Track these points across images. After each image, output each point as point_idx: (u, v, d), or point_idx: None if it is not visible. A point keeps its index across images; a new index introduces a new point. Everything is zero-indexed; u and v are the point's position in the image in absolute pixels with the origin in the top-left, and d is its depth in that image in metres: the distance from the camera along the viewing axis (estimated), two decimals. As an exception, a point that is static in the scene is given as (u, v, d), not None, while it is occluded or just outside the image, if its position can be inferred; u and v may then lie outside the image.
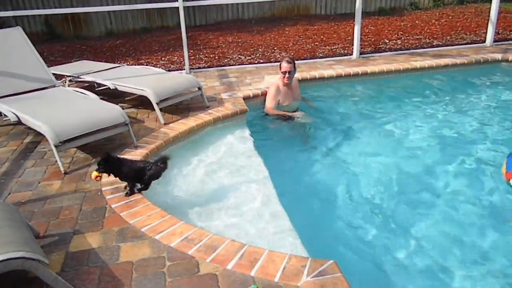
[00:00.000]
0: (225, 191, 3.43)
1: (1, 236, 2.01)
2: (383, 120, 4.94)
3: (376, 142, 4.44)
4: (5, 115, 4.00)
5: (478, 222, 3.08)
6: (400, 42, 8.57)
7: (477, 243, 2.87)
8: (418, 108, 5.28)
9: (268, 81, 5.81)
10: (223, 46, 9.39)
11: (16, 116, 3.85)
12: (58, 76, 5.35)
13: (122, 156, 3.16)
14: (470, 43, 7.93)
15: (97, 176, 2.95)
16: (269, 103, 4.95)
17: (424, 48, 7.84)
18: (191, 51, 8.34)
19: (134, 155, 3.62)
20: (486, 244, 2.85)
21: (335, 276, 2.10)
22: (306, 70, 6.32)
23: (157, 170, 3.00)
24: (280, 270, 2.17)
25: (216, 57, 8.24)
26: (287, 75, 4.79)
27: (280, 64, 4.88)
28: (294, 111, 4.98)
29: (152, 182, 3.07)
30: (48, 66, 4.99)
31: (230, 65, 7.35)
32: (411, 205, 3.33)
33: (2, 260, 1.83)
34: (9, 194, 3.15)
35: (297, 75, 5.26)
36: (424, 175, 3.76)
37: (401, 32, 9.59)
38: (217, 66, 7.30)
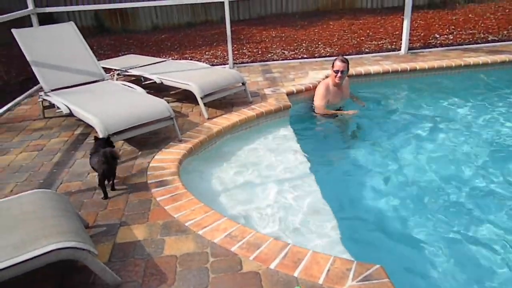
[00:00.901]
0: (267, 188, 3.41)
1: (54, 225, 2.09)
2: (434, 119, 4.73)
3: (426, 141, 4.25)
4: (58, 107, 4.16)
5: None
6: (451, 37, 8.19)
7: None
8: (471, 108, 5.02)
9: (312, 76, 5.72)
10: (267, 40, 9.35)
11: (68, 108, 4.00)
12: (107, 70, 5.51)
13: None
14: (529, 39, 7.46)
15: None
16: (319, 103, 4.84)
17: (478, 43, 7.45)
18: (235, 45, 8.36)
19: (178, 148, 3.67)
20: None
21: (382, 281, 2.03)
22: (351, 66, 6.10)
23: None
24: (324, 272, 2.12)
25: (260, 52, 8.22)
26: (339, 74, 4.66)
27: (333, 62, 4.76)
28: (339, 109, 4.89)
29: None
30: (98, 60, 5.15)
31: (273, 60, 7.30)
32: (466, 209, 3.16)
33: (55, 250, 1.90)
34: (60, 183, 3.28)
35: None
36: (477, 178, 3.57)
37: (453, 27, 9.16)
38: (260, 61, 7.28)
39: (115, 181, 3.14)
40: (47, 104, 4.64)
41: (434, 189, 3.44)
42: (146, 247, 2.44)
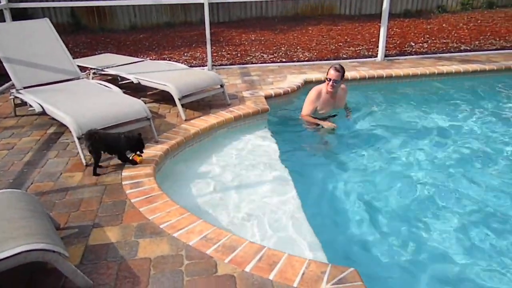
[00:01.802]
0: (243, 190, 3.41)
1: (23, 227, 2.02)
2: (408, 126, 4.83)
3: (399, 148, 4.34)
4: (30, 105, 4.05)
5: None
6: (426, 46, 8.40)
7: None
8: (445, 114, 5.14)
9: (291, 80, 5.76)
10: (246, 43, 9.36)
11: (41, 106, 3.90)
12: (83, 68, 5.41)
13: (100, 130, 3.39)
14: (500, 49, 7.72)
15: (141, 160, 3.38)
16: (306, 108, 4.74)
17: (452, 52, 7.67)
18: (214, 47, 8.34)
19: (154, 150, 3.63)
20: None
21: (355, 284, 2.05)
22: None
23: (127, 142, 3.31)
24: (299, 275, 2.13)
25: (239, 55, 8.22)
26: (331, 83, 4.53)
27: (328, 69, 4.63)
28: (326, 119, 4.76)
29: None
30: (73, 58, 5.05)
31: (252, 63, 7.32)
32: (434, 214, 3.23)
33: (23, 252, 1.84)
34: (31, 184, 3.19)
35: (344, 86, 4.93)
36: (447, 184, 3.66)
37: (428, 36, 9.40)
38: (239, 64, 7.29)
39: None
40: (19, 101, 4.51)
41: (409, 194, 3.50)
42: (119, 249, 2.39)
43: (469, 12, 12.51)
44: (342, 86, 4.83)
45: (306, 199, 3.27)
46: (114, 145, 3.35)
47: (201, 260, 2.28)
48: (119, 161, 3.46)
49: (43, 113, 3.94)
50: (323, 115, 4.78)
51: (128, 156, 3.41)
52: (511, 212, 3.21)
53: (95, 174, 3.28)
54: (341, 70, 4.52)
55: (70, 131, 3.54)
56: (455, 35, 9.41)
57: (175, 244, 2.42)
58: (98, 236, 2.52)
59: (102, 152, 3.32)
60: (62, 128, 4.18)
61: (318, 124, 4.66)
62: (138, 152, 3.41)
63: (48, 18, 5.15)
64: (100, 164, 3.36)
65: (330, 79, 4.52)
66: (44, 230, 2.06)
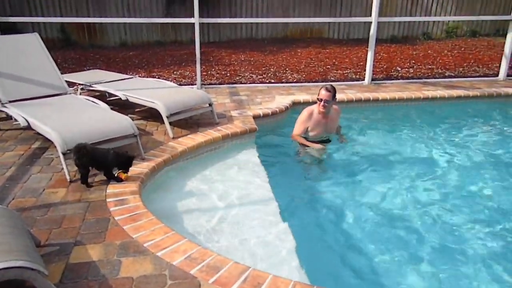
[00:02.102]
0: (228, 210, 3.38)
1: (1, 243, 1.97)
2: (394, 149, 4.88)
3: (384, 170, 4.38)
4: (15, 119, 4.00)
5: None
6: (412, 71, 8.58)
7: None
8: (429, 139, 5.23)
9: (279, 101, 5.81)
10: (235, 63, 9.45)
11: (26, 120, 3.85)
12: (71, 84, 5.37)
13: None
14: (483, 76, 7.92)
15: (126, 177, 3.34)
16: (297, 128, 4.69)
17: (436, 78, 7.84)
18: (203, 66, 8.39)
19: (140, 167, 3.59)
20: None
21: (340, 307, 2.03)
22: (317, 92, 6.29)
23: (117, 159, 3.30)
24: (284, 297, 2.10)
25: (228, 74, 8.28)
26: (322, 103, 4.49)
27: (319, 90, 4.61)
28: (319, 142, 4.71)
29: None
30: (62, 73, 5.02)
31: (241, 83, 7.37)
32: (421, 235, 3.24)
33: (1, 269, 1.78)
34: (13, 199, 3.12)
35: (336, 107, 4.85)
36: (431, 206, 3.69)
37: (413, 61, 9.61)
38: (228, 83, 7.33)
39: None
40: (3, 115, 4.46)
41: (394, 215, 3.52)
42: (101, 268, 2.34)
43: (453, 39, 12.87)
44: (335, 107, 4.78)
45: (292, 219, 3.26)
46: (102, 161, 3.31)
47: (184, 280, 2.24)
48: (103, 178, 3.41)
49: (28, 127, 3.89)
50: (315, 137, 4.70)
51: (114, 173, 3.37)
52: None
53: (87, 185, 3.29)
54: (332, 90, 4.50)
55: (55, 147, 3.49)
56: (440, 61, 9.65)
57: (158, 264, 2.38)
58: (80, 254, 2.46)
59: (89, 167, 3.29)
60: (47, 143, 4.12)
61: (308, 146, 4.62)
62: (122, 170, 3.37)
63: (38, 33, 5.14)
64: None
65: (321, 99, 4.50)
66: (23, 247, 2.01)
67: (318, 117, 4.64)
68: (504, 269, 2.84)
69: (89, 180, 3.39)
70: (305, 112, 4.67)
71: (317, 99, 4.55)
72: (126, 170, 3.37)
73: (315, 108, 4.63)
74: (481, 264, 2.89)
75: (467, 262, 2.92)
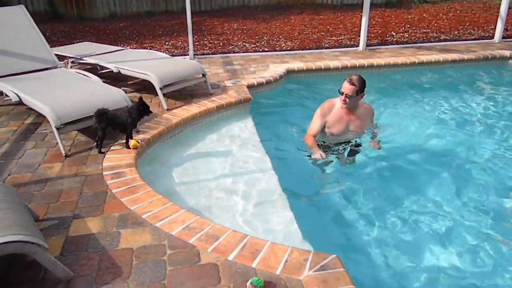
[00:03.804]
0: (226, 180, 3.40)
1: (0, 219, 1.97)
2: (387, 115, 4.88)
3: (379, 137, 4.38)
4: (6, 95, 3.94)
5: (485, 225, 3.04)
6: (407, 36, 8.48)
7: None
8: (424, 104, 5.22)
9: (273, 69, 5.75)
10: (228, 33, 9.29)
11: (18, 96, 3.80)
12: (61, 57, 5.27)
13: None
14: (478, 39, 7.84)
15: (135, 145, 3.41)
16: (312, 124, 3.89)
17: (432, 42, 7.76)
18: (196, 37, 8.24)
19: (136, 138, 3.58)
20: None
21: (337, 270, 2.07)
22: (311, 60, 6.24)
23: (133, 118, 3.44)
24: (281, 263, 2.14)
25: (221, 44, 8.15)
26: (343, 97, 3.69)
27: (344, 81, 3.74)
28: (340, 145, 3.88)
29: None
30: (51, 47, 4.92)
31: (234, 53, 7.27)
32: (417, 205, 3.27)
33: (0, 243, 1.80)
34: (8, 175, 3.11)
35: (367, 105, 4.02)
36: (427, 174, 3.71)
37: (408, 25, 9.48)
38: (221, 53, 7.23)
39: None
40: (-6, 91, 4.39)
41: (389, 186, 3.54)
42: (100, 240, 2.36)
43: (449, 2, 12.66)
44: (366, 104, 3.99)
45: (289, 185, 3.28)
46: (119, 122, 3.43)
47: (184, 250, 2.27)
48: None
49: (20, 103, 3.84)
50: (336, 137, 3.87)
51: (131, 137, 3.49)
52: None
53: (99, 151, 3.41)
54: (357, 84, 3.63)
55: (49, 122, 3.46)
56: (435, 25, 9.52)
57: (157, 234, 2.40)
58: (79, 227, 2.48)
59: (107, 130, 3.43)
60: (40, 118, 4.09)
61: (310, 154, 3.77)
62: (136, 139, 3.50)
63: (24, 6, 5.00)
64: (80, 154, 3.32)
65: (342, 93, 3.69)
66: (22, 221, 2.02)
67: (340, 112, 3.81)
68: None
69: (85, 154, 3.39)
70: (325, 104, 3.91)
71: (339, 91, 3.74)
72: (148, 114, 3.55)
73: (338, 101, 3.83)
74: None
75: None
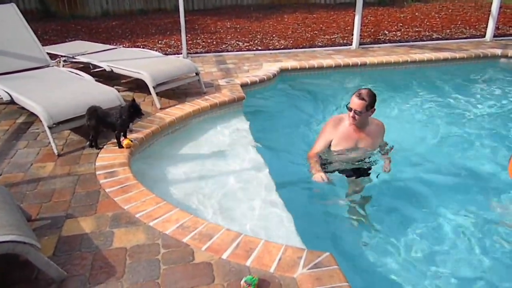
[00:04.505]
0: (219, 179, 3.39)
1: (-8, 218, 1.96)
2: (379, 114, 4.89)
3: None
4: (-2, 94, 3.91)
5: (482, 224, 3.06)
6: (399, 34, 8.52)
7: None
8: (416, 102, 5.25)
9: (267, 68, 5.75)
10: (221, 31, 9.27)
11: (9, 95, 3.76)
12: (53, 56, 5.24)
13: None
14: (470, 38, 7.89)
15: (128, 144, 3.40)
16: (317, 143, 3.53)
17: (424, 41, 7.79)
18: (189, 35, 8.21)
19: (129, 138, 3.56)
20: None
21: (331, 268, 2.08)
22: (305, 59, 6.25)
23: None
24: (275, 261, 2.14)
25: (214, 43, 8.14)
26: (352, 113, 3.30)
27: (352, 96, 3.36)
28: (355, 164, 3.47)
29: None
30: (42, 45, 4.88)
31: (228, 51, 7.26)
32: (411, 200, 3.30)
33: (-7, 243, 1.79)
34: (0, 175, 3.09)
35: (379, 121, 3.59)
36: (416, 171, 3.73)
37: (401, 24, 9.52)
38: (214, 52, 7.22)
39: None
40: (-15, 90, 4.34)
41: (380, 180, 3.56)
42: (94, 239, 2.35)
43: (441, 1, 12.72)
44: (377, 121, 3.57)
45: (283, 184, 3.28)
46: (110, 121, 3.39)
47: (177, 249, 2.27)
48: (92, 151, 3.40)
49: (12, 102, 3.81)
50: (342, 156, 3.47)
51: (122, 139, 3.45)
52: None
53: (96, 147, 3.45)
54: (367, 98, 3.25)
55: (41, 121, 3.44)
56: (427, 23, 9.57)
57: (151, 233, 2.40)
58: (72, 227, 2.47)
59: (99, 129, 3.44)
60: (32, 118, 4.06)
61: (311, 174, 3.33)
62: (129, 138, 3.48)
63: (15, 4, 4.95)
64: (73, 153, 3.29)
65: (350, 109, 3.31)
66: (14, 221, 2.00)
67: (347, 130, 3.44)
68: None
69: (77, 153, 3.37)
70: (331, 120, 3.58)
71: (347, 107, 3.37)
72: (140, 117, 3.48)
73: (346, 117, 3.46)
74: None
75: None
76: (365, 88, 3.34)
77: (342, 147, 3.44)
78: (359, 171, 3.46)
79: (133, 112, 3.37)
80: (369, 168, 3.49)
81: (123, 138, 3.45)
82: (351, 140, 3.43)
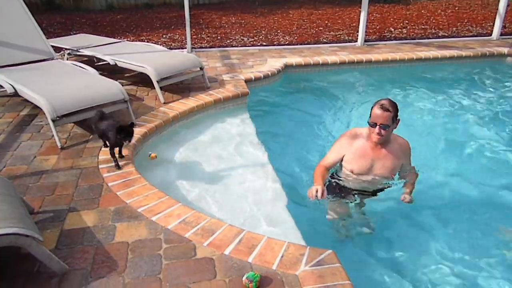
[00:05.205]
0: (222, 175, 3.39)
1: (-6, 211, 1.96)
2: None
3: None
4: (2, 86, 3.90)
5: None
6: (405, 31, 8.45)
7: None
8: (421, 100, 5.21)
9: (271, 64, 5.72)
10: (226, 26, 9.24)
11: (13, 87, 3.76)
12: (57, 49, 5.23)
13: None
14: (476, 36, 7.83)
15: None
16: (329, 154, 3.07)
17: (430, 38, 7.74)
18: (193, 30, 8.18)
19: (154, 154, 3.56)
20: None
21: (333, 266, 2.07)
22: (310, 55, 6.22)
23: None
24: (278, 258, 2.14)
25: (219, 37, 8.11)
26: (376, 130, 2.77)
27: (372, 108, 2.82)
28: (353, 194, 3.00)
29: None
30: (47, 38, 4.87)
31: (232, 46, 7.23)
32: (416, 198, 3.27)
33: (-5, 236, 1.79)
34: (3, 167, 3.09)
35: (403, 139, 3.03)
36: (420, 167, 3.71)
37: (407, 21, 9.46)
38: (219, 47, 7.19)
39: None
40: (-11, 82, 4.34)
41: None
42: (96, 233, 2.35)
43: (448, -2, 12.63)
44: (401, 140, 3.01)
45: (288, 180, 3.27)
46: (105, 134, 3.09)
47: (179, 244, 2.26)
48: (95, 145, 3.40)
49: (16, 94, 3.81)
50: (355, 177, 2.97)
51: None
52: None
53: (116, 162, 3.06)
54: (392, 109, 2.75)
55: (44, 113, 3.44)
56: (434, 21, 9.50)
57: (153, 228, 2.39)
58: (74, 221, 2.46)
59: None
60: (36, 110, 4.06)
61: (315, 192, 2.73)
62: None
63: (20, -4, 4.94)
64: (76, 146, 3.28)
65: (374, 124, 2.78)
66: (16, 214, 2.00)
67: (364, 146, 2.93)
68: None
69: (80, 146, 3.37)
70: (347, 133, 3.07)
71: (368, 122, 2.84)
72: (128, 141, 2.99)
73: (365, 132, 2.94)
74: None
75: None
76: (385, 99, 2.83)
77: (356, 166, 2.93)
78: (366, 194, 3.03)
79: (121, 135, 2.93)
80: (381, 190, 3.02)
81: (150, 153, 3.42)
82: (367, 159, 2.91)
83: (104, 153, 3.25)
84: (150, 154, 3.44)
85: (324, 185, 2.84)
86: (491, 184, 3.44)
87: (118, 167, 3.02)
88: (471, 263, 2.63)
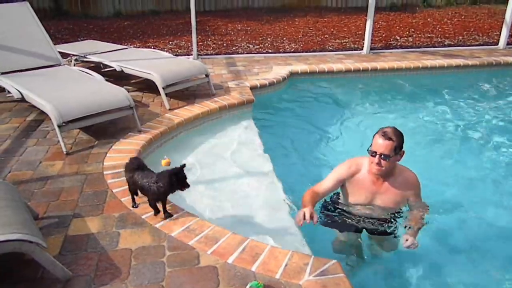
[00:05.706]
0: (227, 182, 3.39)
1: (-1, 216, 1.97)
2: (389, 120, 4.86)
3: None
4: (9, 91, 3.94)
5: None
6: (411, 40, 8.45)
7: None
8: (426, 109, 5.20)
9: (277, 71, 5.73)
10: (232, 33, 9.28)
11: (20, 93, 3.79)
12: (64, 55, 5.27)
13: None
14: (483, 45, 7.80)
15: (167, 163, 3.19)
16: (324, 180, 2.81)
17: (436, 47, 7.72)
18: (199, 37, 8.23)
19: (137, 139, 3.57)
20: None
21: (337, 276, 2.05)
22: (315, 63, 6.23)
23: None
24: (281, 267, 2.12)
25: (224, 45, 8.14)
26: (376, 159, 2.55)
27: (374, 136, 2.61)
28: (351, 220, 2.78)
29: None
30: (54, 44, 4.92)
31: (238, 53, 7.26)
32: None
33: None
34: (9, 172, 3.10)
35: (412, 173, 2.74)
36: (425, 176, 3.68)
37: (413, 30, 9.45)
38: (225, 54, 7.22)
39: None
40: (-3, 88, 4.38)
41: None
42: (100, 240, 2.35)
43: (454, 7, 12.63)
44: (408, 172, 2.73)
45: (291, 187, 3.26)
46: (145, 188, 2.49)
47: (183, 251, 2.26)
48: (100, 150, 3.40)
49: (22, 99, 3.84)
50: (352, 208, 2.80)
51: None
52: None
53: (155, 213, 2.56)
54: (394, 138, 2.53)
55: (50, 119, 3.46)
56: (440, 29, 9.49)
57: (157, 235, 2.39)
58: (78, 227, 2.47)
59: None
60: (42, 116, 4.08)
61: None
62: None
63: (28, 2, 4.99)
64: (81, 152, 3.29)
65: (375, 153, 2.56)
66: (21, 220, 2.01)
67: (365, 178, 2.71)
68: None
69: (85, 152, 3.38)
70: (346, 163, 2.81)
71: (368, 151, 2.62)
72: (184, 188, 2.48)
73: (365, 163, 2.71)
74: None
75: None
76: (389, 127, 2.60)
77: (354, 198, 2.75)
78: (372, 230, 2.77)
79: (176, 181, 2.42)
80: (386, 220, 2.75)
81: (165, 156, 3.18)
82: (367, 192, 2.70)
83: (109, 159, 3.26)
84: (165, 157, 3.27)
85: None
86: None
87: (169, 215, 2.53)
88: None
